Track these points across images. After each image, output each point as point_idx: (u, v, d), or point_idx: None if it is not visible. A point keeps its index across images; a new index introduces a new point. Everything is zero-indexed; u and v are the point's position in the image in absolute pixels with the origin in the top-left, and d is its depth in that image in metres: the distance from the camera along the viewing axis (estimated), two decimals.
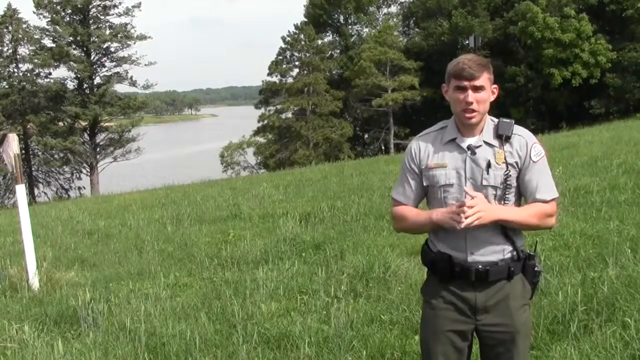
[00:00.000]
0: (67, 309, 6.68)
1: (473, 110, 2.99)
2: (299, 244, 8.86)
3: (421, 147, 3.18)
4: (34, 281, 8.00)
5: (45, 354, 5.42)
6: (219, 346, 5.34)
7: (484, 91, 3.00)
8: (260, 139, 56.79)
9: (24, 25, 49.14)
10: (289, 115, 55.79)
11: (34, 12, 48.90)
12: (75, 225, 13.89)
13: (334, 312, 5.66)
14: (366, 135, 59.20)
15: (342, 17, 61.82)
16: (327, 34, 61.55)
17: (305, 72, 55.15)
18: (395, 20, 59.97)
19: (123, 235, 11.77)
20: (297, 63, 56.47)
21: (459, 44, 50.75)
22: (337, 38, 61.66)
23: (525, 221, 3.03)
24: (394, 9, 62.51)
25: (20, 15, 49.27)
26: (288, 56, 56.82)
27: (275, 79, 56.99)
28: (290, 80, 55.99)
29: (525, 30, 45.25)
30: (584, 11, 44.93)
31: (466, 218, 2.88)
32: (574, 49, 44.05)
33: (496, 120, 3.11)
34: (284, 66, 56.51)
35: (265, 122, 55.76)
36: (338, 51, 61.14)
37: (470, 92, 2.97)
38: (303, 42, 55.54)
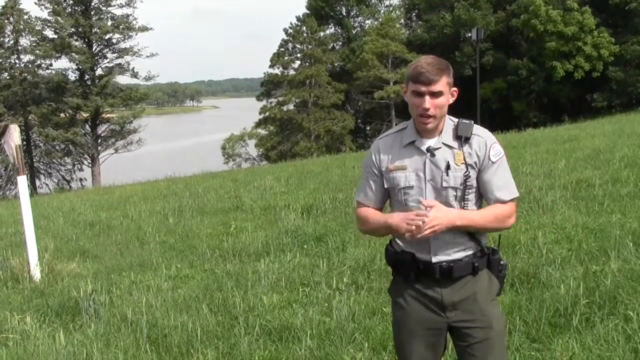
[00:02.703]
0: (69, 300, 6.69)
1: (429, 116, 2.96)
2: (300, 236, 8.87)
3: (381, 149, 3.16)
4: (36, 272, 8.02)
5: (47, 345, 5.43)
6: (220, 338, 5.34)
7: (442, 96, 2.95)
8: (262, 131, 56.78)
9: (26, 16, 49.04)
10: (291, 107, 55.79)
11: (36, 3, 48.85)
12: (77, 216, 13.90)
13: (336, 304, 5.66)
14: (368, 128, 59.15)
15: (344, 9, 61.73)
16: (329, 26, 61.46)
17: (307, 64, 55.11)
18: (397, 12, 59.82)
19: (124, 227, 11.77)
20: (299, 55, 56.43)
21: (462, 36, 50.62)
22: (339, 30, 61.59)
23: (482, 225, 3.01)
24: (396, 1, 62.48)
25: (21, 6, 49.26)
26: (290, 48, 56.77)
27: (277, 71, 57.00)
28: (292, 72, 55.95)
29: (527, 23, 45.14)
30: (586, 4, 44.81)
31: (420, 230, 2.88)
32: (576, 42, 43.96)
33: (456, 120, 3.08)
34: (286, 58, 56.44)
35: (267, 114, 55.75)
36: (340, 43, 61.09)
37: (427, 97, 2.93)
38: (305, 34, 55.48)
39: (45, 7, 49.26)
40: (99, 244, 10.45)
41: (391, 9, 61.19)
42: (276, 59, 56.28)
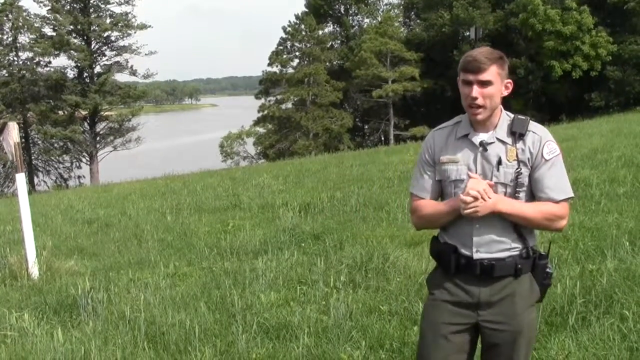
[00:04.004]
0: (67, 298, 6.69)
1: (478, 106, 2.90)
2: (298, 234, 8.87)
3: (436, 141, 3.13)
4: (34, 270, 8.02)
5: (45, 343, 5.43)
6: (218, 336, 5.35)
7: (491, 86, 2.88)
8: (260, 129, 56.81)
9: (24, 14, 48.91)
10: (289, 105, 55.80)
11: (34, 1, 48.74)
12: (75, 214, 13.90)
13: (333, 303, 5.67)
14: (366, 126, 59.21)
15: (342, 8, 61.74)
16: (328, 25, 61.48)
17: (305, 62, 55.11)
18: (396, 11, 59.85)
19: (123, 225, 11.78)
20: (297, 53, 56.44)
21: (460, 35, 50.70)
22: (337, 28, 61.62)
23: (530, 217, 2.93)
24: None
25: (20, 4, 49.11)
26: (288, 46, 56.78)
27: (275, 69, 57.05)
28: (290, 70, 55.99)
29: (526, 22, 45.18)
30: (585, 3, 44.81)
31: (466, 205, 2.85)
32: (574, 41, 43.99)
33: (512, 115, 3.02)
34: (285, 56, 56.46)
35: (265, 112, 55.75)
36: (338, 42, 61.13)
37: (475, 86, 2.88)
38: (304, 33, 55.48)
39: (44, 5, 49.17)
40: (97, 241, 10.45)
41: (390, 7, 61.22)
42: (275, 57, 56.28)
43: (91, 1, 50.45)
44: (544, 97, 47.60)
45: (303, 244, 8.42)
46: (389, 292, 6.05)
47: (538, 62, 45.63)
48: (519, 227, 2.99)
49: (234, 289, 6.50)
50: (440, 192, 3.15)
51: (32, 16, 49.50)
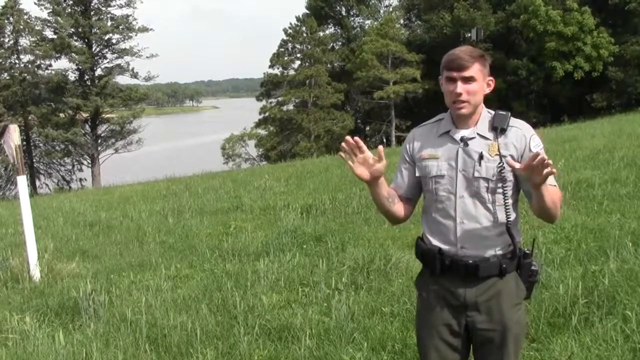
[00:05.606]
0: (68, 300, 6.69)
1: (462, 102, 2.95)
2: (300, 236, 8.86)
3: (416, 138, 3.17)
4: (35, 272, 8.02)
5: (47, 345, 5.43)
6: (220, 337, 5.35)
7: (474, 82, 2.95)
8: (262, 131, 56.80)
9: (25, 17, 48.95)
10: (291, 107, 55.82)
11: (35, 3, 48.81)
12: (77, 216, 13.90)
13: (335, 304, 5.67)
14: (367, 128, 59.14)
15: (343, 9, 61.76)
16: (329, 26, 61.51)
17: (306, 64, 55.11)
18: (397, 12, 59.81)
19: (124, 227, 11.77)
20: (298, 55, 56.46)
21: (461, 36, 50.57)
22: (338, 30, 61.61)
23: (549, 194, 2.84)
24: (395, 1, 62.50)
25: (21, 7, 49.15)
26: (290, 48, 56.79)
27: (276, 71, 57.03)
28: (291, 72, 55.97)
29: (527, 23, 45.15)
30: (586, 4, 44.80)
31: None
32: (576, 42, 43.96)
33: (493, 112, 3.06)
34: (286, 58, 56.45)
35: (267, 114, 55.76)
36: (340, 43, 61.12)
37: (459, 83, 2.93)
38: (305, 34, 55.50)
39: (45, 8, 49.23)
40: (98, 244, 10.45)
41: (391, 9, 61.21)
42: (276, 59, 56.30)
43: (92, 4, 50.49)
44: (545, 98, 47.56)
45: (305, 246, 8.41)
46: (391, 294, 6.04)
47: (539, 63, 45.59)
48: (507, 225, 2.99)
49: (235, 291, 6.50)
50: (416, 190, 3.20)
51: (33, 19, 49.60)
